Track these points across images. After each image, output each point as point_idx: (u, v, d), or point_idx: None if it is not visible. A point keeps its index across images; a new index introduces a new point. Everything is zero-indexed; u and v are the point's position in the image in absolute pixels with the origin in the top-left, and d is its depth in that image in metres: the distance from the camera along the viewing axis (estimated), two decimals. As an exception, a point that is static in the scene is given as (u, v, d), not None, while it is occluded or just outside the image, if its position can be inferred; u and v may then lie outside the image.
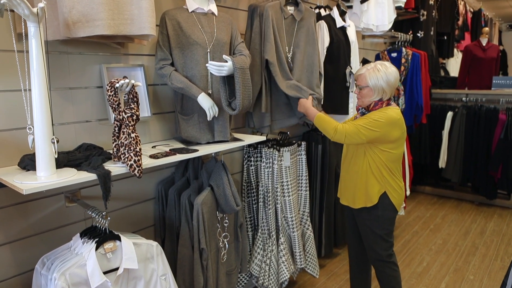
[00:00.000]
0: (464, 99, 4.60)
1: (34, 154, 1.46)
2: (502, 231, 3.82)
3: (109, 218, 1.55)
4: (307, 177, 2.76)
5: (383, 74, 2.05)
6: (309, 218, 2.78)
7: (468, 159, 4.47)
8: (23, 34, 1.26)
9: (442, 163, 4.59)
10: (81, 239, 1.57)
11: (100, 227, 1.58)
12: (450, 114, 4.53)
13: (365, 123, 2.03)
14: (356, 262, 2.42)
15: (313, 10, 2.69)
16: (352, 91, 2.93)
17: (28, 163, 1.46)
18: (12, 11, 1.44)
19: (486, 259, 3.25)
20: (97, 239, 1.52)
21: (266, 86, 2.38)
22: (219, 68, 1.83)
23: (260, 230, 2.54)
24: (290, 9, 2.43)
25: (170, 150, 1.84)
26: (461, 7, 5.70)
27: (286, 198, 2.58)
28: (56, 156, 1.38)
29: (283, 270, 2.53)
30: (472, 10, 6.62)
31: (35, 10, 1.24)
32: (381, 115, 2.04)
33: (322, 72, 2.62)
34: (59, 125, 1.71)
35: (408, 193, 3.90)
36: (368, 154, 2.11)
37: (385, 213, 2.14)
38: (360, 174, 2.14)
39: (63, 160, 1.50)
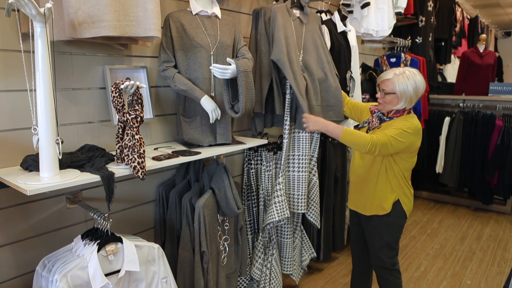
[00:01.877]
0: (461, 105, 4.64)
1: (37, 155, 1.45)
2: (499, 237, 3.84)
3: (111, 220, 1.55)
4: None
5: (413, 82, 1.93)
6: (316, 164, 2.62)
7: (465, 165, 4.50)
8: (30, 34, 1.26)
9: (439, 168, 4.62)
10: (83, 241, 1.56)
11: (101, 229, 1.57)
12: (447, 120, 4.56)
13: (396, 134, 1.90)
14: (359, 267, 2.40)
15: (318, 14, 2.69)
16: (352, 96, 2.94)
17: (31, 163, 1.46)
18: (17, 10, 1.44)
19: (483, 264, 3.27)
20: (99, 241, 1.51)
21: (278, 88, 2.37)
22: (223, 71, 1.83)
23: (261, 234, 2.53)
24: (296, 12, 2.44)
25: (172, 152, 1.83)
26: (458, 14, 5.76)
27: (300, 134, 2.49)
28: (60, 157, 1.37)
29: (273, 212, 2.38)
30: (469, 17, 6.69)
31: (42, 10, 1.24)
32: (409, 125, 1.94)
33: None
34: (62, 126, 1.70)
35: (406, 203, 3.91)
36: (387, 162, 2.03)
37: (396, 220, 2.09)
38: (375, 182, 2.08)
39: (66, 161, 1.50)
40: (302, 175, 2.49)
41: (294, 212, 2.66)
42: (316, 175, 2.63)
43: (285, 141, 2.41)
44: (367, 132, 2.14)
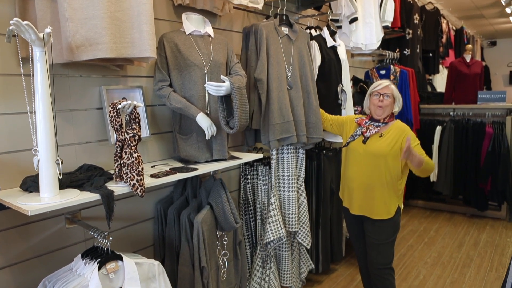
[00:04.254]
0: (451, 113, 4.73)
1: (36, 176, 1.47)
2: (495, 242, 3.88)
3: (111, 238, 1.56)
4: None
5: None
6: (303, 184, 2.72)
7: (458, 172, 4.55)
8: (30, 58, 1.30)
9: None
10: (83, 260, 1.56)
11: (101, 247, 1.58)
12: (438, 129, 4.64)
13: (421, 148, 2.22)
14: (367, 270, 2.50)
15: (306, 31, 2.77)
16: (344, 108, 3.00)
17: (30, 184, 1.47)
18: (17, 36, 1.48)
19: (481, 270, 3.29)
20: (99, 260, 1.52)
21: (260, 103, 2.41)
22: (217, 88, 1.87)
23: (259, 247, 2.54)
24: (285, 29, 2.51)
25: (170, 169, 1.86)
26: (444, 26, 5.91)
27: (285, 155, 2.59)
28: (61, 177, 1.39)
29: (268, 231, 2.44)
30: (454, 28, 6.86)
31: (41, 35, 1.28)
32: (411, 132, 2.23)
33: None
34: (60, 147, 1.73)
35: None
36: (390, 165, 2.22)
37: (398, 220, 2.31)
38: (380, 187, 2.23)
39: (66, 181, 1.52)
40: (292, 195, 2.59)
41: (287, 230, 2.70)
42: (304, 194, 2.72)
43: (273, 161, 2.49)
44: (364, 141, 2.28)
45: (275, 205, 2.48)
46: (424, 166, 2.12)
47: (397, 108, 2.29)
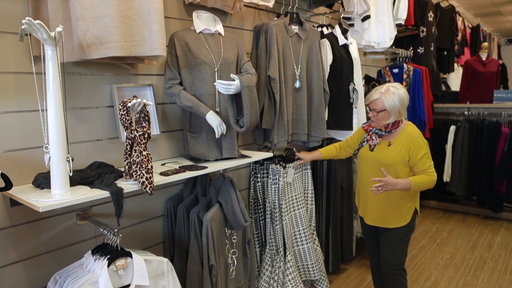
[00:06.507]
0: (466, 113, 4.64)
1: (48, 173, 1.50)
2: (510, 245, 3.80)
3: (120, 235, 1.57)
4: (313, 191, 2.80)
5: (398, 96, 2.06)
6: (315, 232, 2.79)
7: (472, 173, 4.47)
8: (41, 57, 1.31)
9: (446, 177, 4.60)
10: (93, 256, 1.58)
11: (111, 244, 1.59)
12: (452, 128, 4.56)
13: (428, 158, 2.10)
14: (379, 271, 2.48)
15: (316, 29, 2.75)
16: (355, 107, 2.97)
17: (42, 181, 1.50)
18: (29, 35, 1.50)
19: (495, 273, 3.22)
20: (109, 256, 1.54)
21: (270, 102, 2.41)
22: (227, 86, 1.87)
23: (268, 246, 2.54)
24: (295, 28, 2.50)
25: (179, 167, 1.87)
26: (459, 23, 5.81)
27: (296, 212, 2.61)
28: (71, 174, 1.41)
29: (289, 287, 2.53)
30: (470, 25, 6.73)
31: (52, 34, 1.30)
32: (421, 139, 2.11)
33: (328, 90, 2.69)
34: (71, 144, 1.75)
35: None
36: (401, 174, 2.13)
37: (414, 222, 2.26)
38: (393, 196, 2.17)
39: (76, 178, 1.53)
40: (309, 246, 2.65)
41: (308, 278, 2.80)
42: (317, 242, 2.80)
43: (284, 219, 2.53)
44: (370, 149, 2.23)
45: (292, 263, 2.56)
46: (414, 188, 2.04)
47: (392, 118, 2.09)
